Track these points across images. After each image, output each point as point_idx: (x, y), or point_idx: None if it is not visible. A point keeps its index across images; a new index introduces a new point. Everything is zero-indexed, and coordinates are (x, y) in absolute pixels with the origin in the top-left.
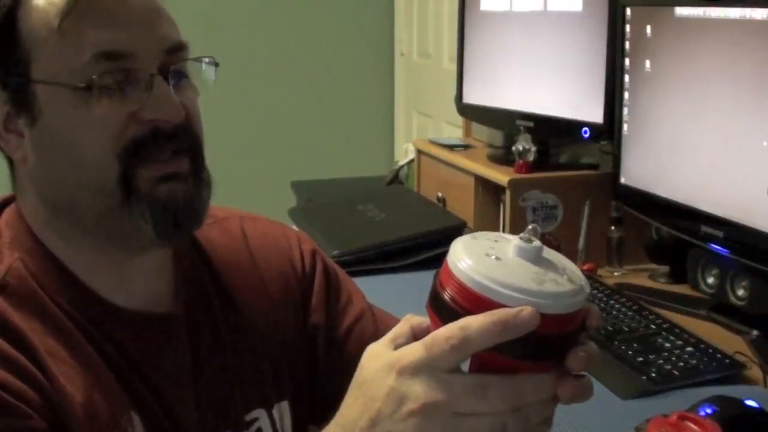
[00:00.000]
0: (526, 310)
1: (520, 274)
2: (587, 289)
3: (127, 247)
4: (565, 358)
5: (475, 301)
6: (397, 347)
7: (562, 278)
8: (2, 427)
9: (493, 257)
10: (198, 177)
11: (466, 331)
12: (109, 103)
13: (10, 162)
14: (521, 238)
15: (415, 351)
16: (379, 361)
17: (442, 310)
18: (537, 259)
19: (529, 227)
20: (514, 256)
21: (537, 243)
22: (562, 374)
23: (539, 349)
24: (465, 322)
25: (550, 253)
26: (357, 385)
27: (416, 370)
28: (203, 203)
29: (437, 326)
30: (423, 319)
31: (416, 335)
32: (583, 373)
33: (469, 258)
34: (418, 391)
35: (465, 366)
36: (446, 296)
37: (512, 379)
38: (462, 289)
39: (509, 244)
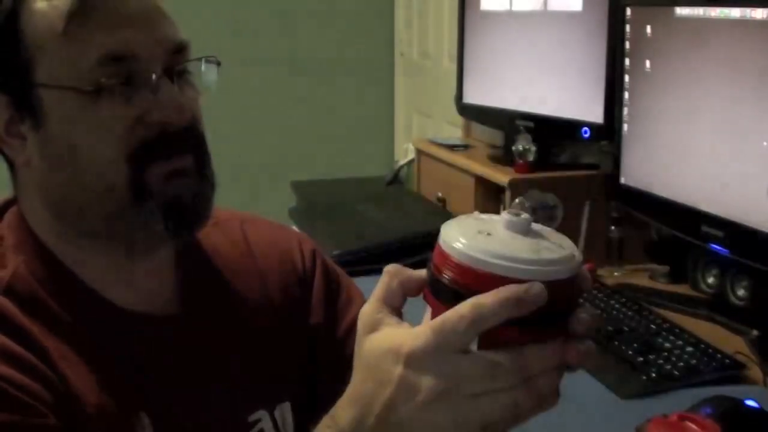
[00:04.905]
0: (536, 284)
1: (516, 246)
2: (579, 253)
3: (134, 248)
4: (567, 324)
5: (477, 278)
6: (392, 310)
7: (554, 245)
8: (17, 425)
9: (486, 233)
10: (202, 174)
11: (479, 309)
12: (117, 106)
13: (11, 165)
14: (509, 213)
15: (421, 336)
16: (381, 340)
17: (444, 294)
18: (527, 231)
19: (516, 201)
20: (504, 230)
21: (525, 215)
22: (565, 340)
23: (545, 317)
24: (477, 301)
25: (536, 225)
26: (363, 366)
27: (424, 357)
28: (209, 200)
29: (439, 311)
30: (410, 273)
31: (405, 293)
32: (585, 337)
33: (463, 237)
34: (429, 381)
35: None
36: (445, 279)
37: (521, 352)
38: (461, 268)
39: (498, 219)
